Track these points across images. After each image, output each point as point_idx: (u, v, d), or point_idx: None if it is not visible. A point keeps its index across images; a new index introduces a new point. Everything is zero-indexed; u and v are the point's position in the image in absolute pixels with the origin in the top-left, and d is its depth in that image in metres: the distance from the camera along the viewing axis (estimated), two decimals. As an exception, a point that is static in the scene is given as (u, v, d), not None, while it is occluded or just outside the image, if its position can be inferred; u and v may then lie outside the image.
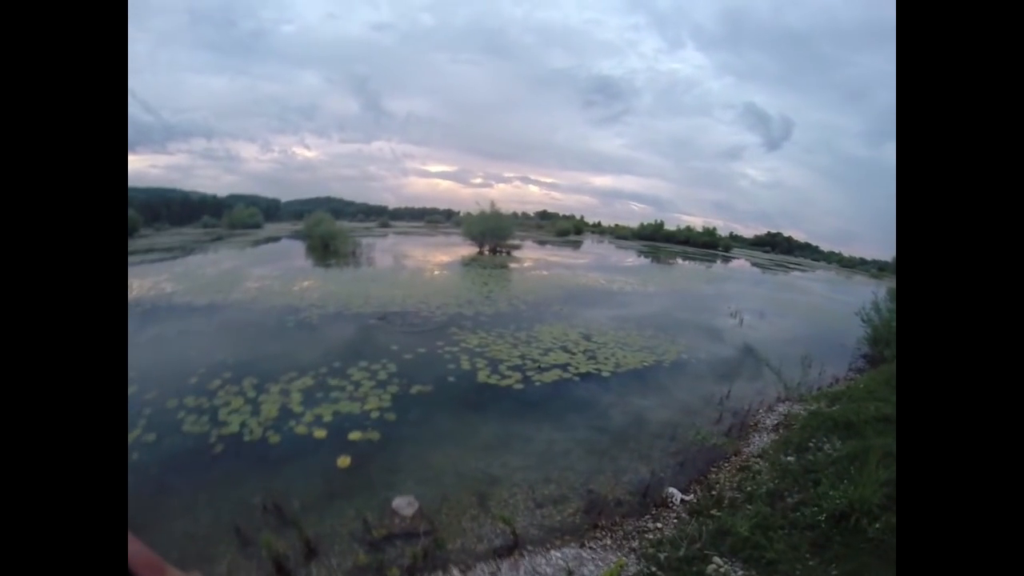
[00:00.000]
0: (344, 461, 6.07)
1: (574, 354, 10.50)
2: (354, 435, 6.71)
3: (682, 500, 5.37)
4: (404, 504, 5.23)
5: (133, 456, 6.18)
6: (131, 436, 6.64)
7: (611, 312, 15.46)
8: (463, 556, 4.56)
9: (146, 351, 9.84)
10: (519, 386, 8.61)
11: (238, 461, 6.22)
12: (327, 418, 7.20)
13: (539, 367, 9.48)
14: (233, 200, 59.49)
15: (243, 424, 7.01)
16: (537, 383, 8.78)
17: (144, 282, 16.78)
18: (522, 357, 10.03)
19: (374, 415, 7.30)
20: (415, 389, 8.25)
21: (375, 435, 6.71)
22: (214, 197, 66.18)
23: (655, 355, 11.09)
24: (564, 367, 9.62)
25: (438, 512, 5.10)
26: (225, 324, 11.94)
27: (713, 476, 5.95)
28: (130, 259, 23.80)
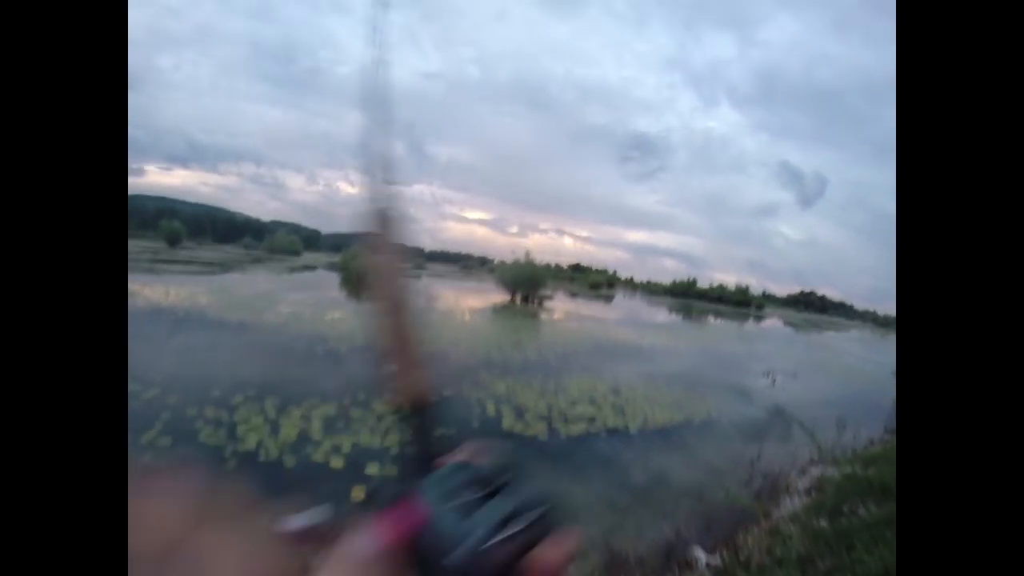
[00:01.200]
0: (359, 493, 5.84)
1: (601, 407, 10.25)
2: (371, 468, 6.56)
3: (707, 563, 5.08)
4: None
5: (145, 457, 6.09)
6: (146, 437, 6.63)
7: (640, 367, 15.14)
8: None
9: (173, 358, 10.01)
10: (543, 437, 8.37)
11: (251, 481, 5.93)
12: (346, 448, 7.10)
13: (565, 418, 9.24)
14: (276, 225, 61.65)
15: (260, 443, 6.97)
16: (563, 435, 8.53)
17: (181, 292, 17.23)
18: (548, 407, 9.80)
19: (393, 451, 7.15)
20: (437, 430, 7.99)
21: (393, 470, 6.46)
22: (258, 220, 68.95)
23: (683, 413, 10.77)
24: (591, 420, 9.36)
25: None
26: (254, 344, 12.13)
27: (741, 539, 5.59)
28: (170, 269, 24.48)
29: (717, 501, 6.67)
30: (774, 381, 15.72)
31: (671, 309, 41.43)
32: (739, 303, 58.83)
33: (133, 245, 38.93)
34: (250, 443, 6.94)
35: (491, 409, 9.37)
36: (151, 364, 9.37)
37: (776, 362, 19.53)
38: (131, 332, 11.29)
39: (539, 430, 8.58)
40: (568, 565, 0.38)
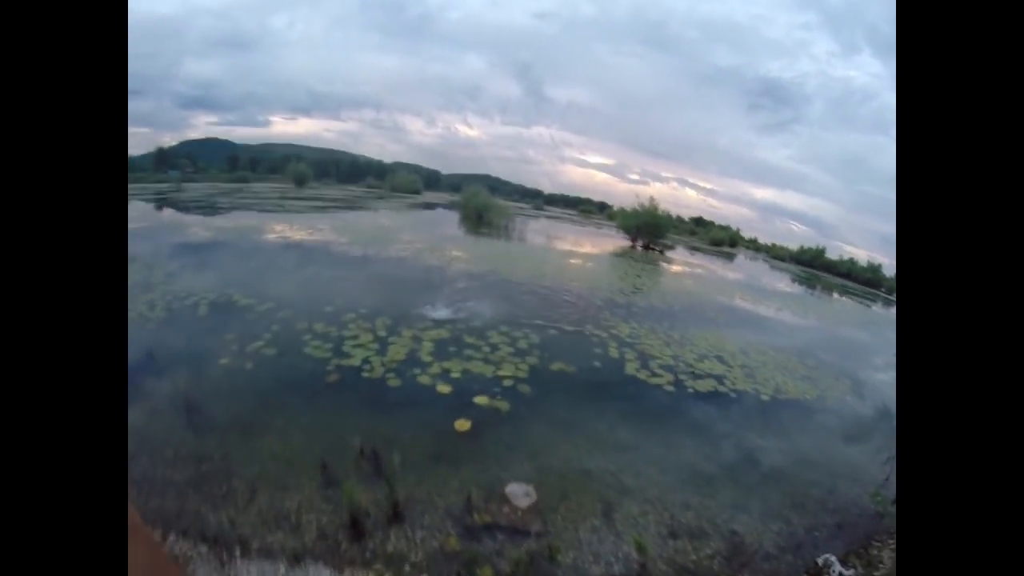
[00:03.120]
0: (463, 425, 5.44)
1: (731, 367, 9.31)
2: (480, 399, 6.24)
3: (841, 574, 4.28)
4: (520, 493, 4.53)
5: (247, 365, 5.84)
6: (251, 347, 6.43)
7: (763, 336, 13.49)
8: (574, 576, 3.82)
9: (293, 285, 10.13)
10: (670, 388, 7.69)
11: (349, 395, 5.98)
12: (455, 374, 6.83)
13: (693, 372, 8.47)
14: (397, 167, 63.55)
15: (365, 360, 6.91)
16: (690, 389, 7.79)
17: (307, 227, 17.77)
18: (674, 358, 9.05)
19: (507, 382, 6.80)
20: (556, 366, 7.67)
21: (504, 404, 6.22)
22: (379, 163, 71.08)
23: (818, 389, 9.52)
24: (720, 379, 8.50)
25: (554, 512, 4.41)
26: (373, 274, 12.17)
27: (876, 552, 4.70)
28: (297, 206, 25.39)
29: (850, 500, 5.69)
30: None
31: (794, 278, 37.72)
32: (868, 283, 52.74)
33: (263, 187, 41.14)
34: (355, 359, 6.81)
35: (614, 351, 8.79)
36: (270, 288, 9.55)
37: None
38: (260, 263, 11.33)
39: (664, 381, 7.89)
40: None
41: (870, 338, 17.34)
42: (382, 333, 7.73)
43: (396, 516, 3.98)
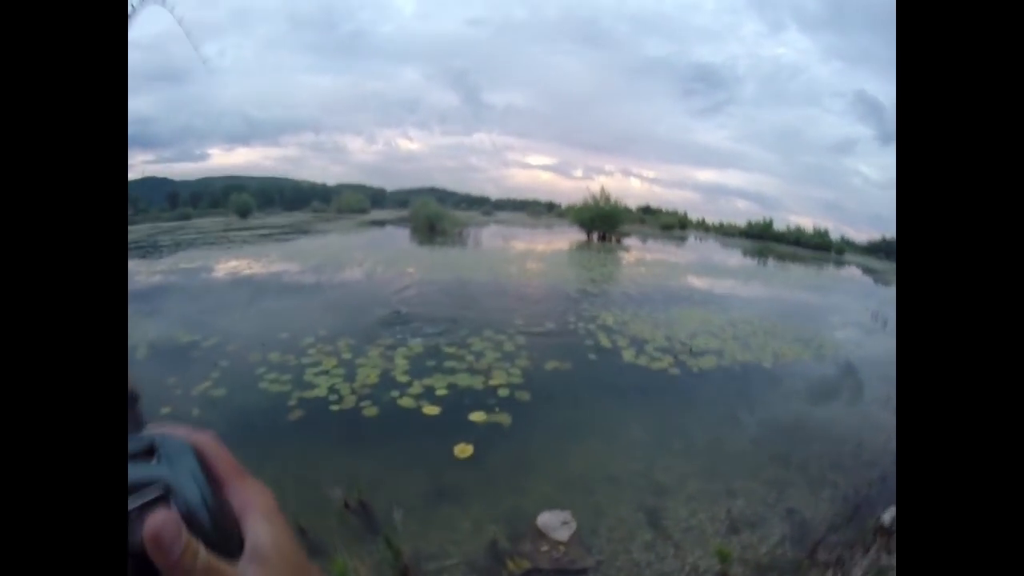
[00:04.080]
0: (464, 450, 4.57)
1: (725, 340, 8.90)
2: (476, 416, 5.39)
3: None
4: (556, 523, 3.66)
5: (193, 412, 4.87)
6: (196, 389, 5.45)
7: (742, 309, 12.95)
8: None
9: (243, 318, 9.18)
10: (674, 370, 7.14)
11: (319, 433, 5.04)
12: (440, 391, 5.96)
13: (691, 351, 7.98)
14: (341, 188, 62.21)
15: (332, 388, 5.97)
16: (694, 369, 7.28)
17: (254, 258, 16.57)
18: (668, 339, 8.53)
19: (502, 392, 6.00)
20: (550, 365, 6.98)
21: (504, 418, 5.41)
22: (323, 185, 69.78)
23: (812, 349, 9.24)
24: (719, 353, 8.06)
25: (594, 534, 3.68)
26: (327, 302, 10.84)
27: None
28: (242, 236, 24.16)
29: (878, 446, 5.37)
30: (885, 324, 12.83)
31: (745, 252, 38.59)
32: (817, 247, 55.64)
33: (205, 222, 39.57)
34: (321, 390, 5.83)
35: (605, 340, 8.19)
36: (218, 324, 8.46)
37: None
38: (209, 303, 10.11)
39: (666, 364, 7.34)
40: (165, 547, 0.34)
41: (830, 299, 17.38)
42: (347, 355, 6.74)
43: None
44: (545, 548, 3.41)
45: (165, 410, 5.24)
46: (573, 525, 3.63)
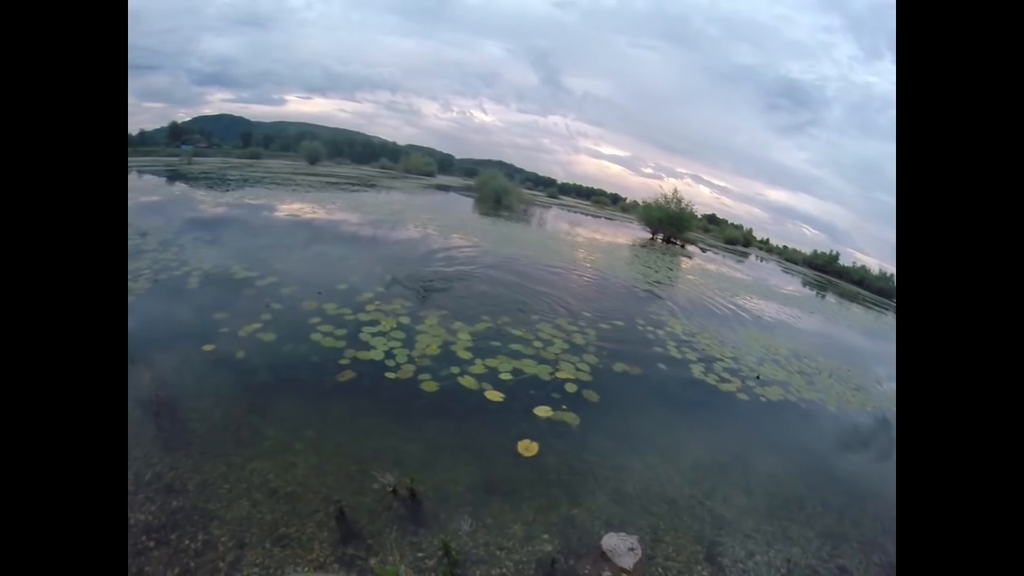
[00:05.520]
0: (529, 448, 4.11)
1: (790, 372, 8.51)
2: (542, 410, 5.02)
3: None
4: (622, 548, 3.39)
5: (238, 354, 4.57)
6: (245, 330, 5.15)
7: (804, 340, 12.78)
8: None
9: (302, 262, 8.99)
10: (743, 396, 6.84)
11: (369, 400, 4.67)
12: (504, 375, 5.64)
13: (758, 378, 7.64)
14: (411, 149, 62.14)
15: (389, 353, 5.36)
16: (762, 398, 6.96)
17: (318, 205, 16.61)
18: (735, 360, 8.21)
19: (569, 388, 5.67)
20: (619, 366, 6.70)
21: (572, 417, 5.04)
22: (394, 144, 69.81)
23: (875, 401, 8.67)
24: (785, 386, 7.70)
25: (651, 560, 3.48)
26: (391, 255, 10.81)
27: None
28: (311, 181, 24.27)
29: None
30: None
31: (805, 281, 36.89)
32: (880, 291, 52.64)
33: (274, 163, 40.19)
34: (376, 352, 5.51)
35: (674, 351, 7.87)
36: (274, 262, 8.39)
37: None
38: (270, 241, 9.90)
39: (734, 387, 7.05)
40: None
41: (891, 349, 16.05)
42: (405, 320, 6.48)
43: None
44: (607, 574, 3.18)
45: (208, 347, 5.00)
46: (639, 552, 3.41)
